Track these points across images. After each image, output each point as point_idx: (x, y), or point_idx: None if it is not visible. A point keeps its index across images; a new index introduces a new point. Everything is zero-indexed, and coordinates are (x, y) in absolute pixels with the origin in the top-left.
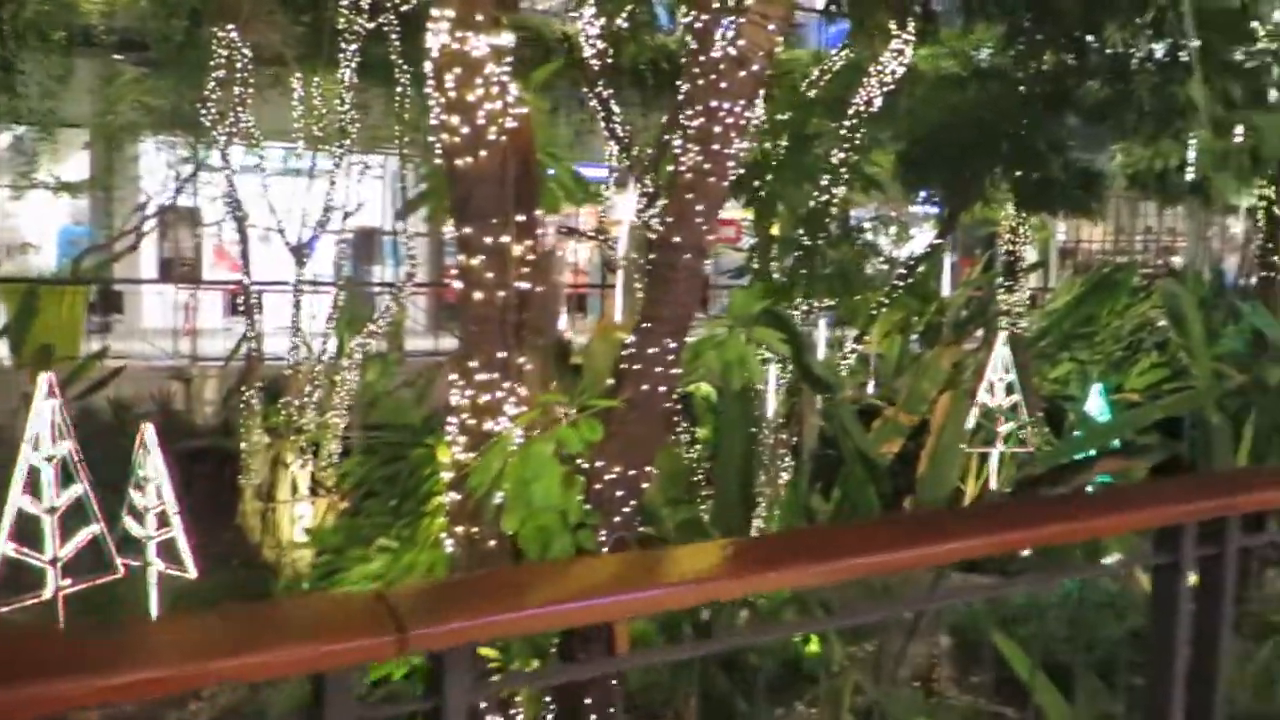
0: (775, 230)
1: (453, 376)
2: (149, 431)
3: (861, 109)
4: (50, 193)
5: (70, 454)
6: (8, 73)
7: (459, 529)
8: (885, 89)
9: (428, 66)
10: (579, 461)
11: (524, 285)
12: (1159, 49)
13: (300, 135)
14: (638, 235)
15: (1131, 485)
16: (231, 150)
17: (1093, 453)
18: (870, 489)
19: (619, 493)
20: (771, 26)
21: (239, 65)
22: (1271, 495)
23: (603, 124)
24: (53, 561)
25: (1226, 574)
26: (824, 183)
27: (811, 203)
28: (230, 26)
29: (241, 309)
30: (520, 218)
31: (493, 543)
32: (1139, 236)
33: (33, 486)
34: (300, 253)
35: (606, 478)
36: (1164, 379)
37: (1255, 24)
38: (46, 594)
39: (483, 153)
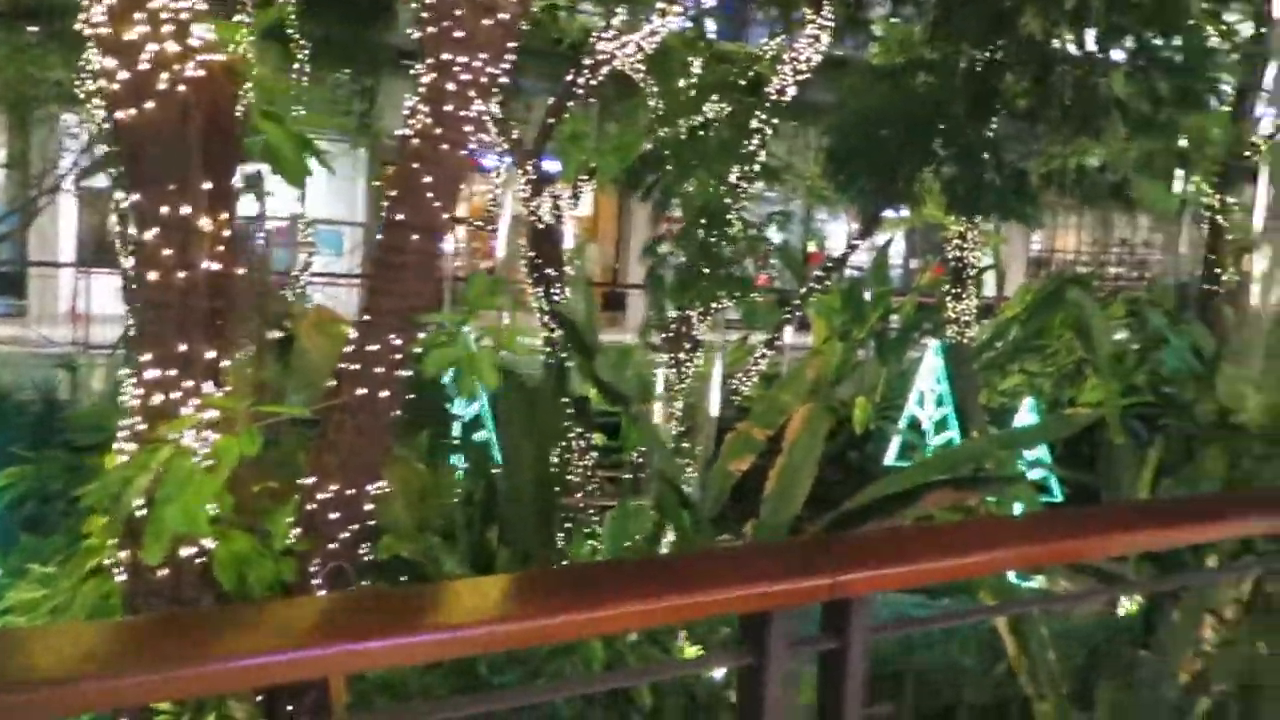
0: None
1: (124, 372)
2: None
3: (774, 98)
4: None
5: None
6: None
7: (124, 554)
8: (800, 78)
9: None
10: (297, 478)
11: (216, 266)
12: (1090, 42)
13: None
14: (520, 226)
15: (727, 552)
16: None
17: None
18: (683, 514)
19: (335, 514)
20: None
21: None
22: (897, 571)
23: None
24: None
25: (849, 676)
26: (731, 175)
27: (713, 194)
28: None
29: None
30: (207, 185)
31: (165, 571)
32: (1114, 247)
33: None
34: None
35: (321, 496)
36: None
37: (1196, 21)
38: None
39: (149, 104)
